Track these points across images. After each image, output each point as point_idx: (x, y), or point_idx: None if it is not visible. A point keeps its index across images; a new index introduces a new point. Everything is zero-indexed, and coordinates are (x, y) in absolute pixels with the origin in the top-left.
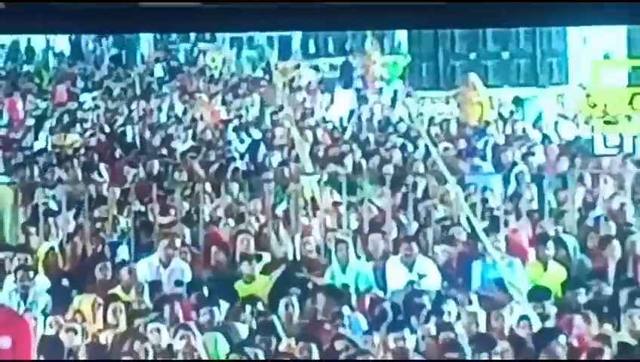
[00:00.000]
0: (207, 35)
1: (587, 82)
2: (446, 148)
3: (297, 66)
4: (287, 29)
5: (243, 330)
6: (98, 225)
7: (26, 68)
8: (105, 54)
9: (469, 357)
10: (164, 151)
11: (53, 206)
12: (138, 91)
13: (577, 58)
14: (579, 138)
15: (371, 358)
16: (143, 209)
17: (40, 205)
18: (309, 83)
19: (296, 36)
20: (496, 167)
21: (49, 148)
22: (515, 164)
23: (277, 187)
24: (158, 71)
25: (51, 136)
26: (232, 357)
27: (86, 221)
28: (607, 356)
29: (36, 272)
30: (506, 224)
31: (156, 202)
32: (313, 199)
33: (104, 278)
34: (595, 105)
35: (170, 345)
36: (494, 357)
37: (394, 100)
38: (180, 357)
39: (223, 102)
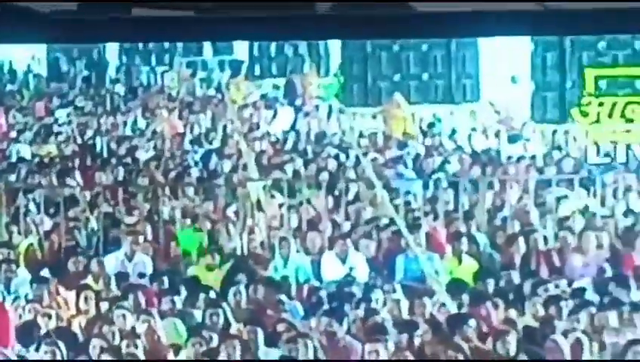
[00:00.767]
0: (166, 59)
1: (496, 99)
2: (374, 158)
3: (245, 86)
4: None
5: (198, 315)
6: (71, 224)
7: (9, 87)
8: (77, 76)
9: (393, 339)
10: (129, 160)
11: (33, 207)
12: (107, 108)
13: (488, 79)
14: (489, 149)
15: (311, 341)
16: (110, 210)
17: (21, 207)
18: (255, 101)
19: (245, 60)
20: (418, 174)
21: (29, 157)
22: (433, 171)
23: (227, 191)
24: (124, 90)
25: (31, 147)
26: (190, 339)
27: (61, 220)
28: (512, 337)
29: (18, 265)
30: (426, 223)
31: (122, 204)
32: (259, 202)
33: (76, 270)
34: (587, 115)
35: (133, 328)
36: (416, 339)
37: (329, 116)
38: (142, 338)
39: (180, 118)
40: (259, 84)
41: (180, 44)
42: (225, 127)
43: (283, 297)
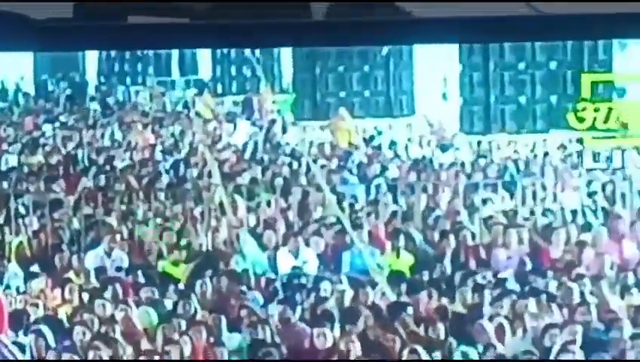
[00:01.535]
0: (140, 80)
1: (429, 114)
2: (322, 165)
3: (212, 103)
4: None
5: (168, 304)
6: (57, 224)
7: (0, 104)
8: (61, 95)
9: (337, 325)
10: (107, 168)
11: (22, 210)
12: (87, 122)
13: (422, 96)
14: (423, 157)
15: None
16: (91, 212)
17: (12, 209)
18: (218, 115)
19: (208, 80)
20: (361, 179)
21: (18, 166)
22: (374, 177)
23: (194, 195)
24: (102, 107)
25: (20, 157)
26: (160, 326)
27: (47, 221)
28: (441, 323)
29: (9, 261)
30: (368, 222)
31: (101, 207)
32: (221, 204)
33: (61, 265)
34: (583, 120)
35: (112, 316)
36: (359, 324)
37: (283, 129)
38: (120, 324)
39: (152, 131)
40: (220, 101)
41: (151, 66)
42: (191, 139)
43: (243, 288)
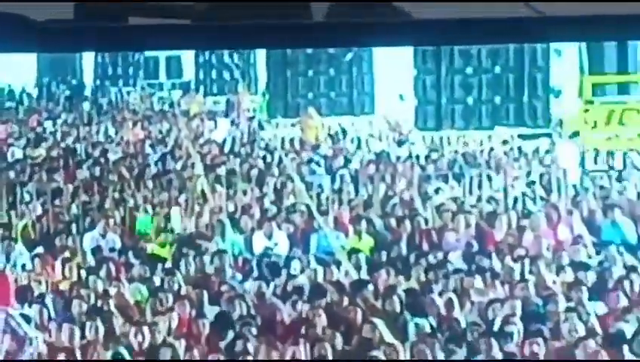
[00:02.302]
0: (131, 82)
1: (388, 112)
2: (293, 158)
3: (200, 102)
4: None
5: (157, 281)
6: (57, 210)
7: (8, 104)
8: (61, 95)
9: (305, 298)
10: (102, 160)
11: (27, 197)
12: (84, 120)
13: (381, 97)
14: (382, 151)
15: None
16: (87, 199)
17: (18, 196)
18: (201, 114)
19: (192, 82)
20: (327, 171)
21: (23, 158)
22: (339, 168)
23: (179, 184)
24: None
25: (25, 150)
26: (149, 300)
27: (49, 207)
28: (396, 297)
29: (16, 241)
30: (333, 209)
31: (96, 194)
32: (203, 192)
33: (61, 245)
34: (585, 122)
35: (106, 291)
36: (327, 298)
37: (258, 126)
38: (113, 299)
39: (142, 128)
40: (203, 101)
41: (141, 70)
42: (177, 134)
43: (223, 266)
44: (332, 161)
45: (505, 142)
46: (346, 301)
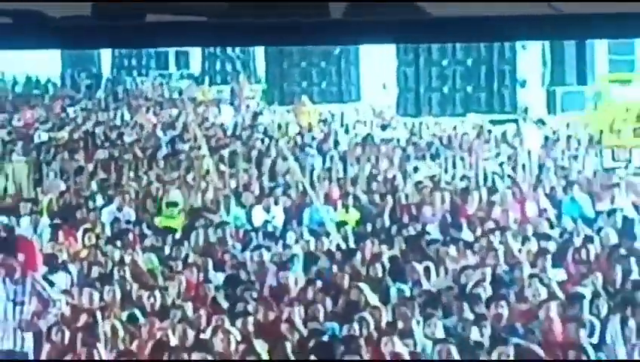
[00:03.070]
0: (144, 72)
1: (372, 100)
2: (288, 141)
3: (205, 91)
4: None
5: (167, 250)
6: (78, 186)
7: (35, 92)
8: (82, 84)
9: (300, 267)
10: (119, 142)
11: (52, 175)
12: (102, 106)
13: (367, 86)
14: (368, 134)
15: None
16: (105, 177)
17: (44, 174)
18: (205, 101)
19: (198, 73)
20: (318, 152)
21: (48, 140)
22: (329, 150)
23: (187, 164)
24: (114, 94)
25: (49, 133)
26: (160, 267)
27: (71, 184)
28: (379, 264)
29: (42, 215)
30: (324, 186)
31: (113, 172)
32: (208, 171)
33: (82, 218)
34: (602, 119)
35: (122, 259)
36: (317, 266)
37: (258, 112)
38: (128, 266)
39: (154, 113)
40: (208, 90)
41: (153, 61)
42: (185, 119)
43: (226, 237)
44: (323, 143)
45: (476, 126)
46: (335, 268)
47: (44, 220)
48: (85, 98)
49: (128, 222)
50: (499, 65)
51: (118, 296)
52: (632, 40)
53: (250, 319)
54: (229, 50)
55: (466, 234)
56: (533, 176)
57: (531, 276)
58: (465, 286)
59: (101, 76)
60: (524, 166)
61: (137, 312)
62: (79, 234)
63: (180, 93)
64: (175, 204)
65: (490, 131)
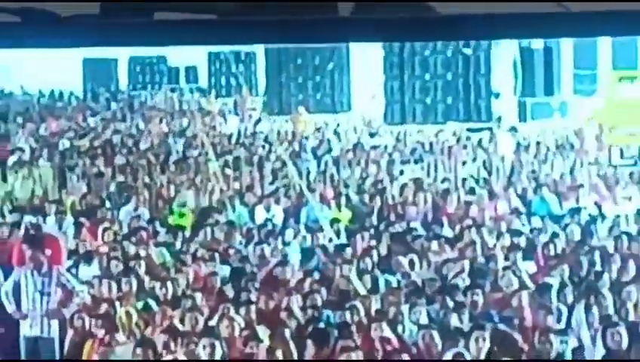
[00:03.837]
0: (156, 86)
1: (362, 110)
2: (286, 148)
3: (212, 102)
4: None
5: (178, 246)
6: (98, 188)
7: (59, 104)
8: (101, 97)
9: (297, 259)
10: (134, 149)
11: (74, 178)
12: (119, 117)
13: (357, 97)
14: (358, 141)
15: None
16: (123, 180)
17: (67, 178)
18: (212, 111)
19: (205, 86)
20: (314, 156)
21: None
22: (323, 154)
23: (196, 168)
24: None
25: (72, 141)
26: (172, 261)
27: (92, 186)
28: (370, 258)
29: (66, 214)
30: (319, 187)
31: (130, 176)
32: (215, 174)
33: (102, 217)
34: (608, 116)
35: (137, 253)
36: (314, 259)
37: (259, 121)
38: (143, 260)
39: (166, 123)
40: (214, 102)
41: (165, 77)
42: (194, 128)
43: (232, 234)
44: (318, 149)
45: (454, 134)
46: (329, 261)
47: (68, 219)
48: (104, 109)
49: (142, 219)
50: (475, 79)
51: (134, 286)
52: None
53: (253, 307)
54: (232, 65)
55: (447, 231)
56: (506, 179)
57: (505, 268)
58: (446, 277)
59: (119, 90)
60: (498, 169)
61: (151, 301)
62: (99, 231)
63: (189, 104)
64: (185, 204)
65: (467, 138)
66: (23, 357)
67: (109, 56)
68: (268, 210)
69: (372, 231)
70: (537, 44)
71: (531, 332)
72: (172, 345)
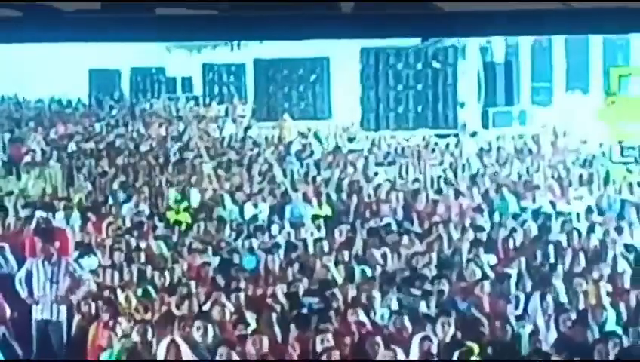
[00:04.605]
0: (156, 94)
1: (342, 117)
2: (273, 151)
3: (203, 109)
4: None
5: (174, 239)
6: (103, 186)
7: (67, 110)
8: (106, 104)
9: (282, 252)
10: (135, 151)
11: (82, 177)
12: (121, 123)
13: (337, 105)
14: (337, 145)
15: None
16: (125, 179)
17: (75, 177)
18: (209, 117)
19: (200, 95)
20: (297, 159)
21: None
22: (306, 157)
23: (191, 169)
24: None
25: (79, 144)
26: (169, 252)
27: (97, 185)
28: (347, 250)
29: (73, 210)
30: (302, 186)
31: (132, 175)
32: (209, 175)
33: (106, 212)
34: (610, 114)
35: (138, 245)
36: (296, 251)
37: (248, 127)
38: (143, 251)
39: (165, 128)
40: (209, 109)
41: (163, 86)
42: (190, 133)
43: (222, 228)
44: (301, 152)
45: (424, 139)
46: (310, 253)
47: (75, 214)
48: (108, 116)
49: (143, 215)
50: (443, 90)
51: (135, 275)
52: (550, 70)
53: (242, 294)
54: (224, 76)
55: (417, 226)
56: (470, 179)
57: (468, 260)
58: (415, 268)
59: (122, 98)
60: (463, 171)
61: (150, 289)
62: (104, 225)
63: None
64: (181, 202)
65: (436, 143)
66: (34, 338)
67: (112, 67)
68: (256, 206)
69: (349, 225)
70: (499, 58)
71: (492, 318)
72: (169, 327)
